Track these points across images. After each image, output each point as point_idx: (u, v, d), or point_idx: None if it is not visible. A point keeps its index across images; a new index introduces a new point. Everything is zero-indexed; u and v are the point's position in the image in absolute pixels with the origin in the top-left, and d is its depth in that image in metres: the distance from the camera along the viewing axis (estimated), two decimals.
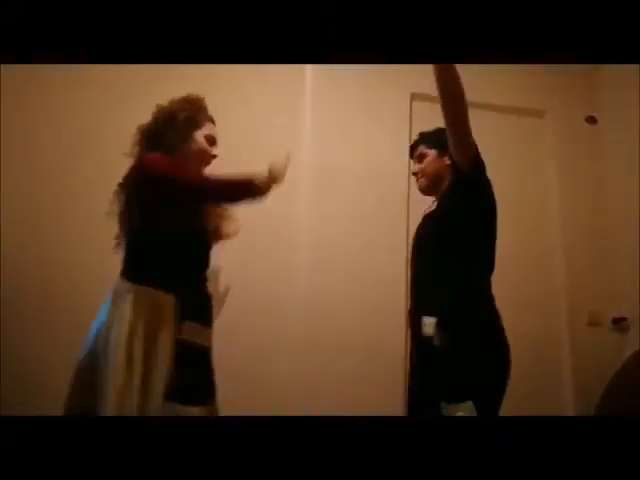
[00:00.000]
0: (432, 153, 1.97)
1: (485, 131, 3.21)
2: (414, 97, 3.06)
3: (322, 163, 2.94)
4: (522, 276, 3.02)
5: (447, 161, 1.89)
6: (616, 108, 3.21)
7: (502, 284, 2.87)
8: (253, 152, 2.91)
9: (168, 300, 1.63)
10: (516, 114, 3.28)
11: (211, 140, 1.86)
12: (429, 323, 1.69)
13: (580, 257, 3.11)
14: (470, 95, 3.18)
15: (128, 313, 1.59)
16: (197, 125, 1.83)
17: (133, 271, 1.71)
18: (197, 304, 1.73)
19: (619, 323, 2.97)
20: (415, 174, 2.03)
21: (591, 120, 3.30)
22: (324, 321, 2.73)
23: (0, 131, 2.61)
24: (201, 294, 1.78)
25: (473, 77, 3.17)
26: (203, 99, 1.91)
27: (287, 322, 2.67)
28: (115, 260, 2.67)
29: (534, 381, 2.79)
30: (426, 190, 2.00)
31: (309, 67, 3.02)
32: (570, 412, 2.86)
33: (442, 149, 1.90)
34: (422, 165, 1.99)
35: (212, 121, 1.91)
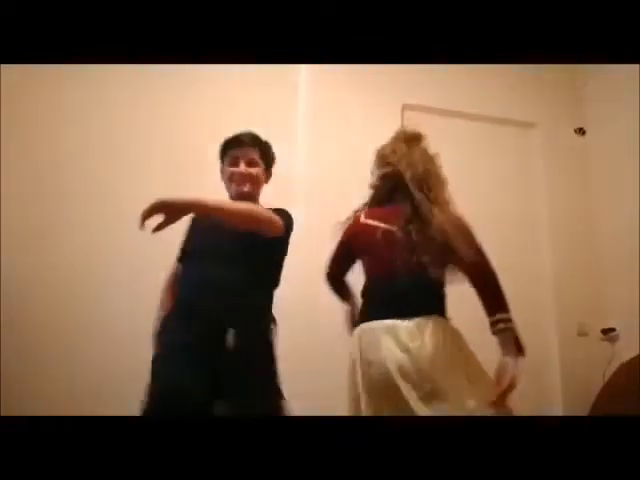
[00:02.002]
0: None
1: (476, 142, 3.29)
2: (405, 108, 3.10)
3: (314, 174, 2.95)
4: (512, 288, 3.02)
5: None
6: (604, 121, 3.26)
7: None
8: None
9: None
10: (506, 125, 3.33)
11: None
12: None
13: (569, 269, 3.13)
14: (461, 106, 3.25)
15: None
16: None
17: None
18: None
19: (608, 334, 3.00)
20: None
21: (580, 132, 3.36)
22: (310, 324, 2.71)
23: (0, 130, 2.61)
24: None
25: (464, 89, 3.24)
26: None
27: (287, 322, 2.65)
28: (117, 261, 2.66)
29: (524, 391, 2.80)
30: None
31: (302, 82, 3.04)
32: None
33: None
34: None
35: None
